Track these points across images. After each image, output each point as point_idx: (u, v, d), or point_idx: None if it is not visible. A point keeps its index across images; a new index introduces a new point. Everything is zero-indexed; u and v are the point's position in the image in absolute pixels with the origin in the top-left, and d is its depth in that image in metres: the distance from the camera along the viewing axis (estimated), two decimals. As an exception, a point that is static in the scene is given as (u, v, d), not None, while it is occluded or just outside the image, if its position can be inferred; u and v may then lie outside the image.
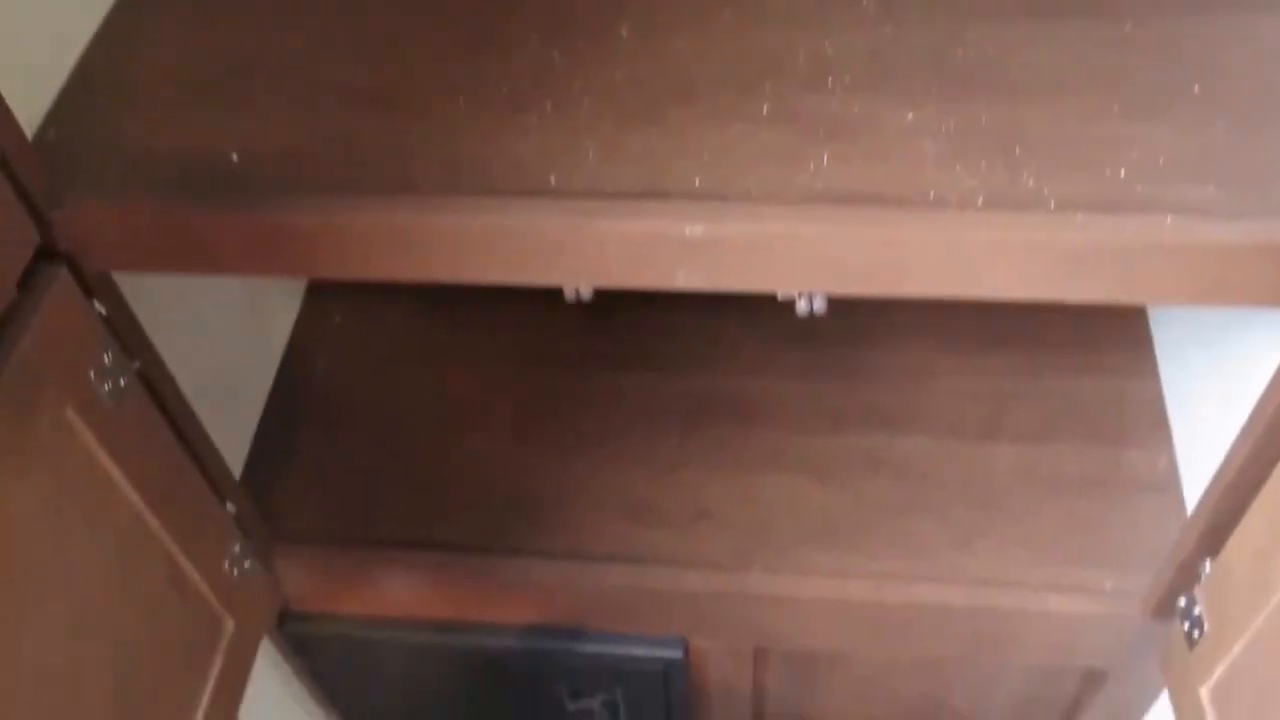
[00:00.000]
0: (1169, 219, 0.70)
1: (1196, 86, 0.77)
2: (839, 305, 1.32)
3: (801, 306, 0.83)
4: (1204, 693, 1.00)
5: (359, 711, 1.45)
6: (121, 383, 0.89)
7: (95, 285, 0.86)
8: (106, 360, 0.87)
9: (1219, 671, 0.97)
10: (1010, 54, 0.80)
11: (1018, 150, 0.74)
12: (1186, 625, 1.02)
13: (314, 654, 1.31)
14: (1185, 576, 1.02)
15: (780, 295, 0.80)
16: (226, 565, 1.08)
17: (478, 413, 1.29)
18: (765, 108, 0.78)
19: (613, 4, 0.87)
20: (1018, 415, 1.23)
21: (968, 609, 1.11)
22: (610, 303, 1.36)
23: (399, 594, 1.21)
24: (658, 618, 1.19)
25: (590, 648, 1.23)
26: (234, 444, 1.23)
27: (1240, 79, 0.77)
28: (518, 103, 0.81)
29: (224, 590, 1.07)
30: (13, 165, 0.74)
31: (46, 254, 0.81)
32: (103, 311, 0.88)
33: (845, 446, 1.22)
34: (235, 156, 0.80)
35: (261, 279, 1.32)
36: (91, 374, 0.86)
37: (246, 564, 1.11)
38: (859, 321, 1.31)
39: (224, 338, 1.23)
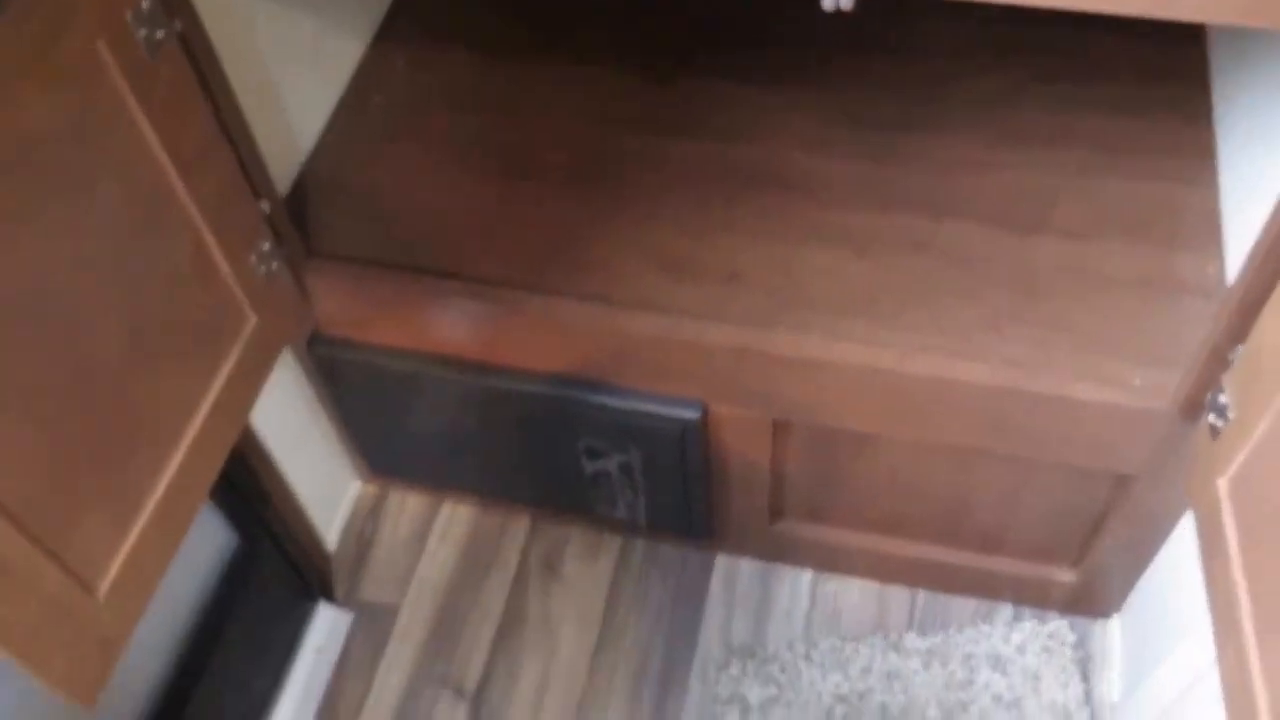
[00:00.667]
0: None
1: None
2: (901, 85, 1.28)
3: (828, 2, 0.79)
4: (1222, 485, 0.96)
5: (376, 445, 1.48)
6: (159, 35, 0.90)
7: (136, -77, 0.86)
8: (145, 5, 0.87)
9: (1239, 460, 0.94)
10: None
11: None
12: (1212, 417, 0.98)
13: (340, 380, 1.33)
14: (1215, 366, 0.98)
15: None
16: (254, 260, 1.09)
17: (531, 161, 1.28)
18: None
19: None
20: (1069, 210, 1.18)
21: (992, 388, 1.08)
22: (675, 71, 1.34)
23: (429, 323, 1.22)
24: (679, 374, 1.19)
25: (611, 401, 1.23)
26: (282, 165, 1.24)
27: None
28: None
29: (249, 285, 1.09)
30: None
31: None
32: (144, -43, 0.88)
33: (889, 226, 1.19)
34: None
35: (332, 12, 1.31)
36: (129, 15, 0.86)
37: (274, 265, 1.12)
38: (916, 111, 1.27)
39: (286, 66, 1.23)
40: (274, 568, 1.42)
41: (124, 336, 0.94)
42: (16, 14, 0.76)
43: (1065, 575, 1.36)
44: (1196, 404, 1.03)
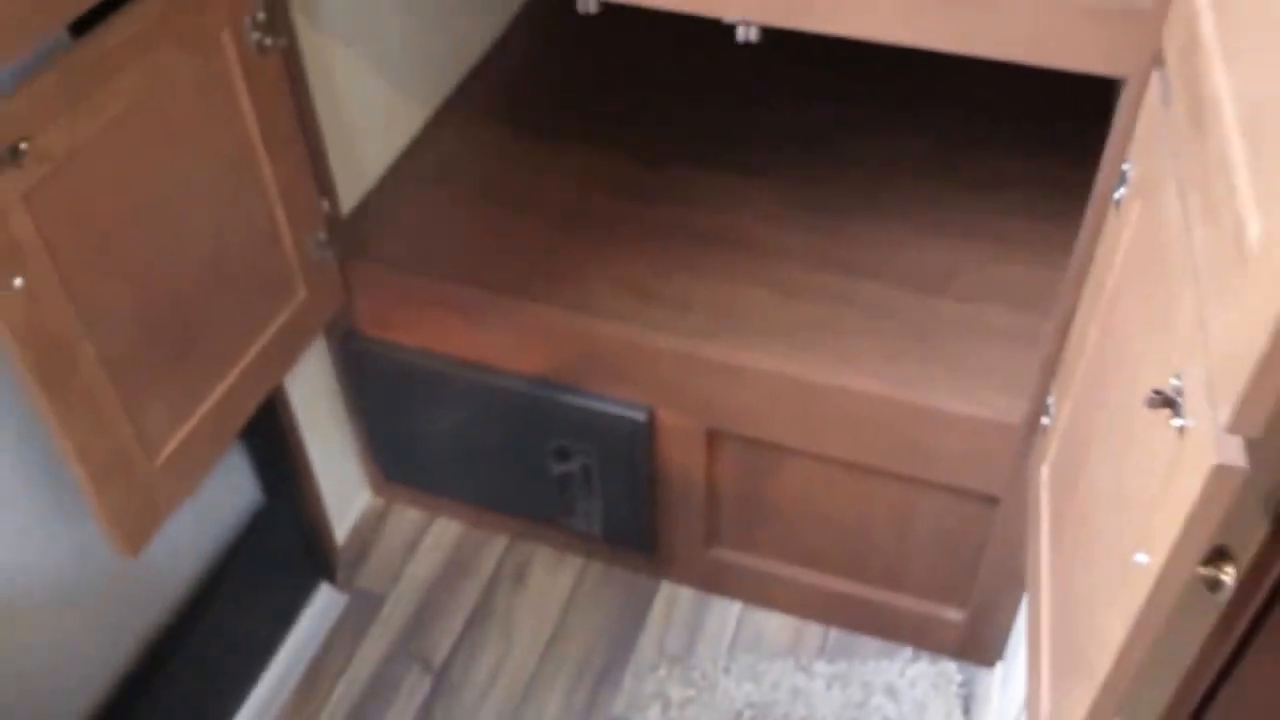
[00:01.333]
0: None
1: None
2: (846, 182, 1.58)
3: (741, 34, 1.09)
4: (1044, 471, 1.19)
5: (386, 448, 1.74)
6: (268, 42, 1.24)
7: (264, -43, 1.21)
8: (260, 17, 1.21)
9: (1054, 449, 1.17)
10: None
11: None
12: (1045, 419, 1.22)
13: (363, 373, 1.61)
14: (1047, 379, 1.23)
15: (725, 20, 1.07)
16: (310, 244, 1.40)
17: (541, 210, 1.60)
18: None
19: None
20: (967, 282, 1.45)
21: (882, 398, 1.33)
22: (666, 157, 1.66)
23: (440, 323, 1.51)
24: (633, 378, 1.45)
25: (577, 401, 1.49)
26: (350, 190, 1.56)
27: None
28: None
29: (304, 262, 1.39)
30: None
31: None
32: (267, -16, 1.22)
33: (817, 281, 1.47)
34: None
35: (407, 84, 1.67)
36: (247, 20, 1.20)
37: (327, 254, 1.43)
38: (855, 202, 1.57)
39: (362, 111, 1.57)
40: (290, 538, 1.67)
41: (208, 262, 1.24)
42: (160, 6, 1.09)
43: (955, 614, 1.56)
44: (1038, 416, 1.26)
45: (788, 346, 1.39)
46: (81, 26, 1.03)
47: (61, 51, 1.00)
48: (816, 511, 1.52)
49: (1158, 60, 0.92)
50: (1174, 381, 0.74)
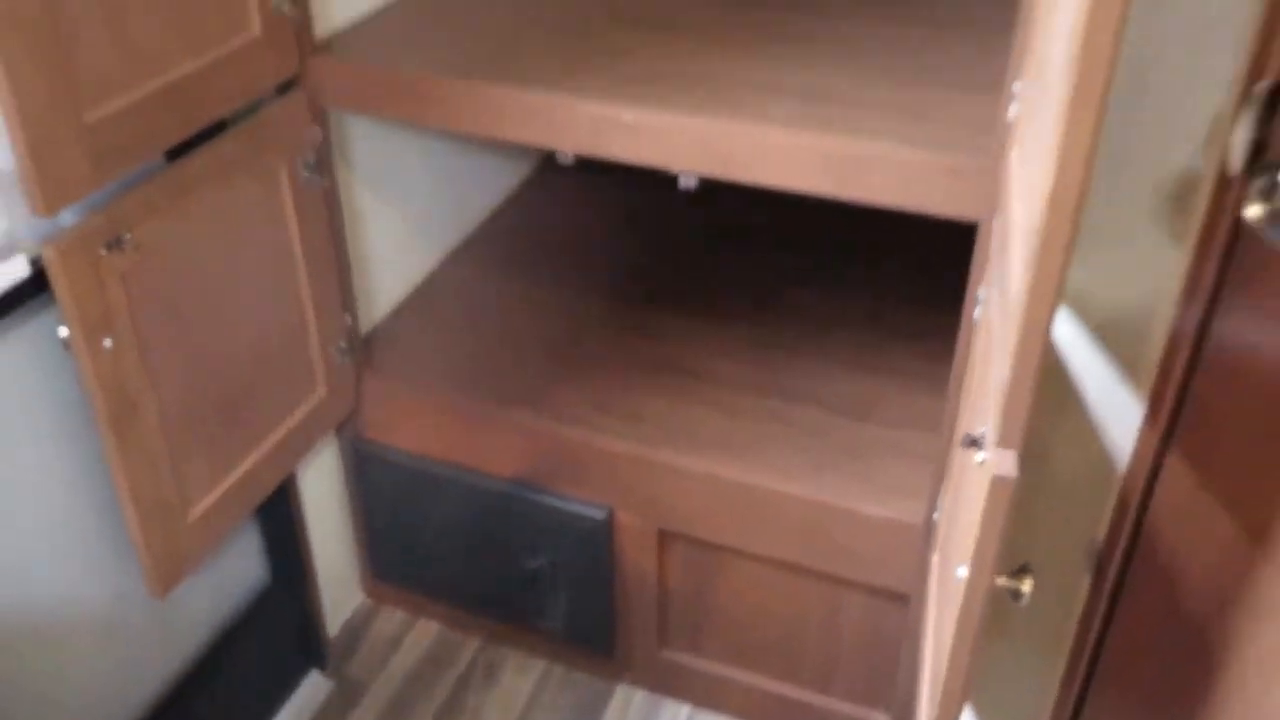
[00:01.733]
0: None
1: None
2: (793, 329, 1.87)
3: (683, 182, 1.38)
4: (934, 558, 1.42)
5: (379, 548, 1.96)
6: (314, 180, 1.54)
7: (317, 114, 1.52)
8: (311, 159, 1.52)
9: (939, 534, 1.40)
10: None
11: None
12: (936, 515, 1.45)
13: (364, 471, 1.85)
14: (938, 488, 1.46)
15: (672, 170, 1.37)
16: (333, 349, 1.67)
17: (526, 339, 1.87)
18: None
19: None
20: (889, 411, 1.71)
21: (806, 500, 1.56)
22: (644, 299, 1.95)
23: (432, 430, 1.76)
24: (594, 481, 1.69)
25: (547, 500, 1.72)
26: (366, 318, 1.84)
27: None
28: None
29: (326, 363, 1.66)
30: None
31: (299, 82, 1.48)
32: (318, 136, 1.53)
33: (757, 403, 1.73)
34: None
35: (422, 232, 1.97)
36: (300, 162, 1.50)
37: (346, 360, 1.70)
38: (800, 345, 1.84)
39: (381, 252, 1.87)
40: (288, 622, 1.87)
41: (252, 348, 1.50)
42: (240, 131, 1.40)
43: (882, 718, 1.74)
44: (932, 514, 1.49)
45: (730, 455, 1.64)
46: (175, 152, 1.32)
47: (159, 170, 1.30)
48: (757, 613, 1.73)
49: (1000, 206, 1.20)
50: (981, 429, 0.99)
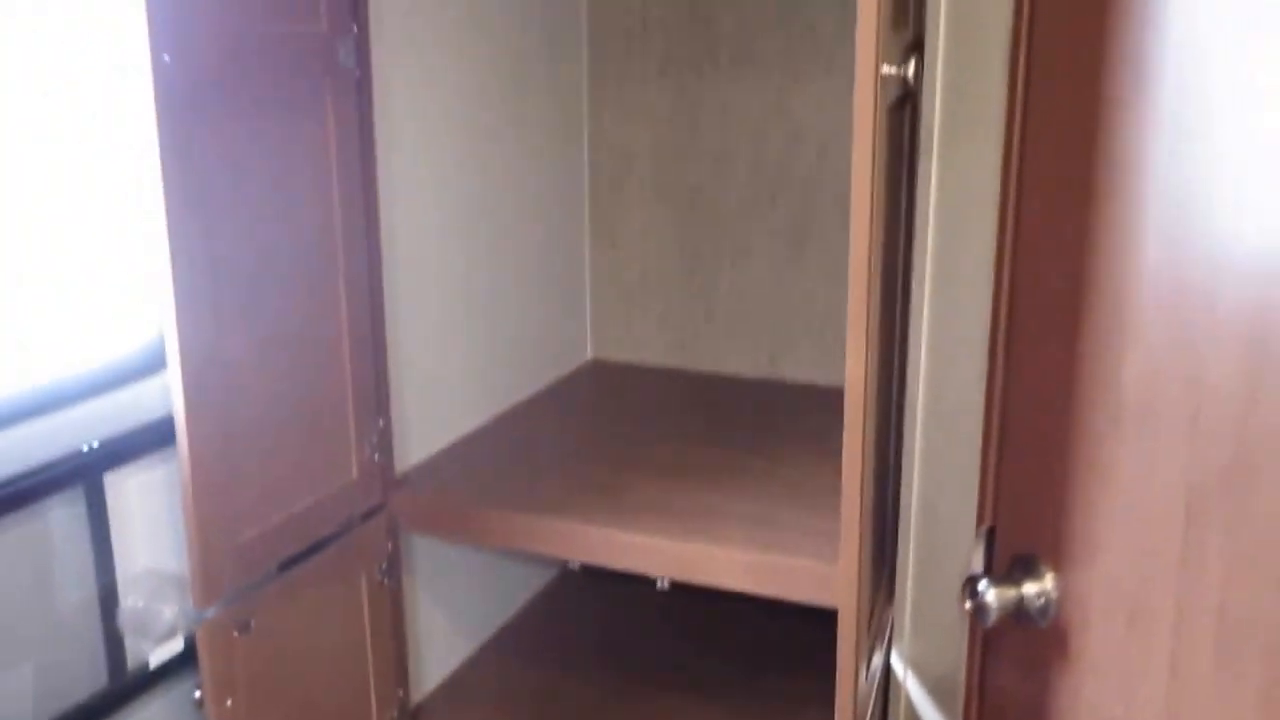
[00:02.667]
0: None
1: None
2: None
3: (659, 583, 1.86)
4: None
5: None
6: (385, 581, 2.04)
7: (391, 533, 2.05)
8: (384, 566, 2.03)
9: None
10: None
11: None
12: None
13: None
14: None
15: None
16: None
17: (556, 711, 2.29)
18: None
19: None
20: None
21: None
22: (626, 694, 2.37)
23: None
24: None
25: None
26: (419, 684, 2.28)
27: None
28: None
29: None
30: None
31: (382, 509, 2.02)
32: (391, 549, 2.05)
33: None
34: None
35: (466, 617, 2.44)
36: (376, 568, 2.01)
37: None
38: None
39: (433, 626, 2.33)
40: None
41: (323, 713, 1.94)
42: (335, 548, 1.92)
43: None
44: None
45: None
46: (286, 564, 1.85)
47: (273, 574, 1.81)
48: None
49: (860, 598, 1.66)
50: None
